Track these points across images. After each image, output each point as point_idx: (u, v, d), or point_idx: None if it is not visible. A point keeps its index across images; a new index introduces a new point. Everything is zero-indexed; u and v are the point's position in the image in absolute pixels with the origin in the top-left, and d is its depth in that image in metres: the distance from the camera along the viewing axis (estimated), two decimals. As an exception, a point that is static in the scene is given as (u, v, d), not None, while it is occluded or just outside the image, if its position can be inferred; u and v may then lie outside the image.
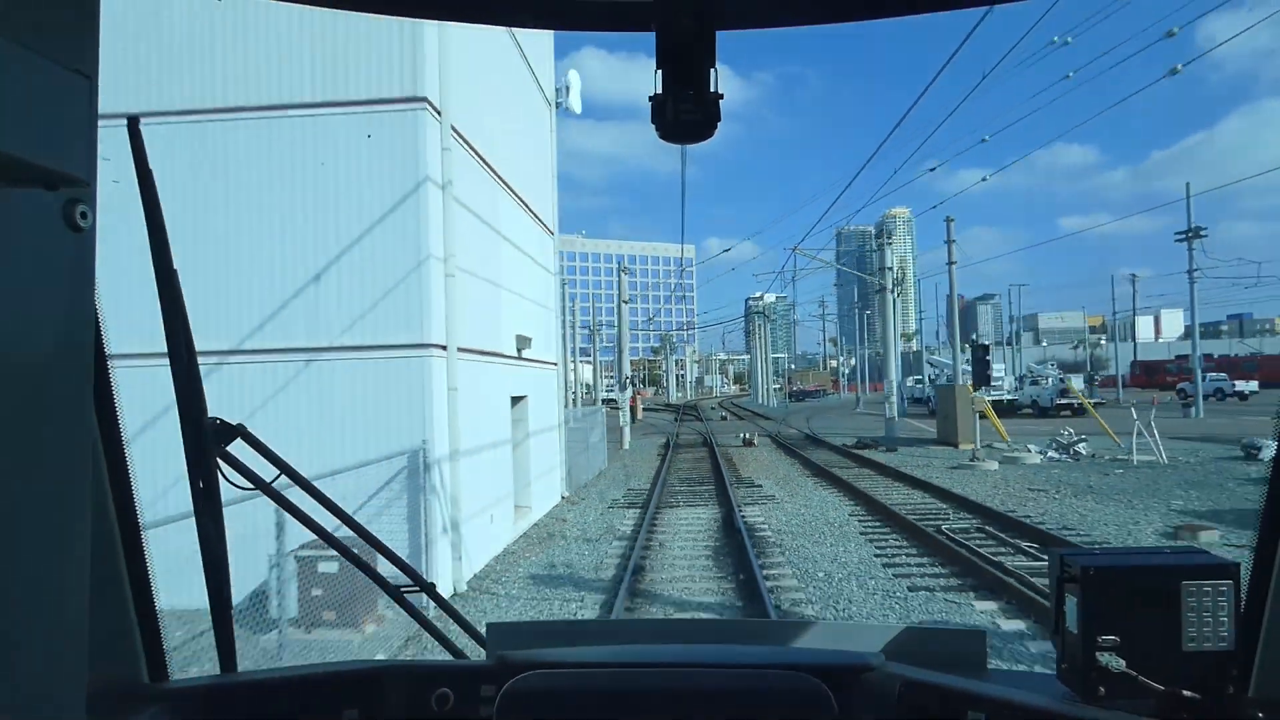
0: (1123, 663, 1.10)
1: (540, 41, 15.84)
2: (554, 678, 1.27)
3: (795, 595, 8.61)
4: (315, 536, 1.58)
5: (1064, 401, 37.45)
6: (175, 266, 1.27)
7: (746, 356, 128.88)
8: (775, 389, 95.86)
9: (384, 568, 1.72)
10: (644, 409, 57.60)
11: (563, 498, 16.03)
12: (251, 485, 1.39)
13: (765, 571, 9.49)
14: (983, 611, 7.87)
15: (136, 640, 1.22)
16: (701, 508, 14.63)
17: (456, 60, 9.50)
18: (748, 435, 29.54)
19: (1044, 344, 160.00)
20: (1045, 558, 9.92)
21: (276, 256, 8.52)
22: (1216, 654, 1.10)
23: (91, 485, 0.98)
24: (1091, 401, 39.35)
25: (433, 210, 8.76)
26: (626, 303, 32.40)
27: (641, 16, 1.02)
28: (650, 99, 1.01)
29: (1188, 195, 36.17)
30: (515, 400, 12.67)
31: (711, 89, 1.00)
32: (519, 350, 12.74)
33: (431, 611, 1.88)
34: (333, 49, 8.57)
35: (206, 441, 1.30)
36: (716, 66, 1.00)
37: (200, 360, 1.38)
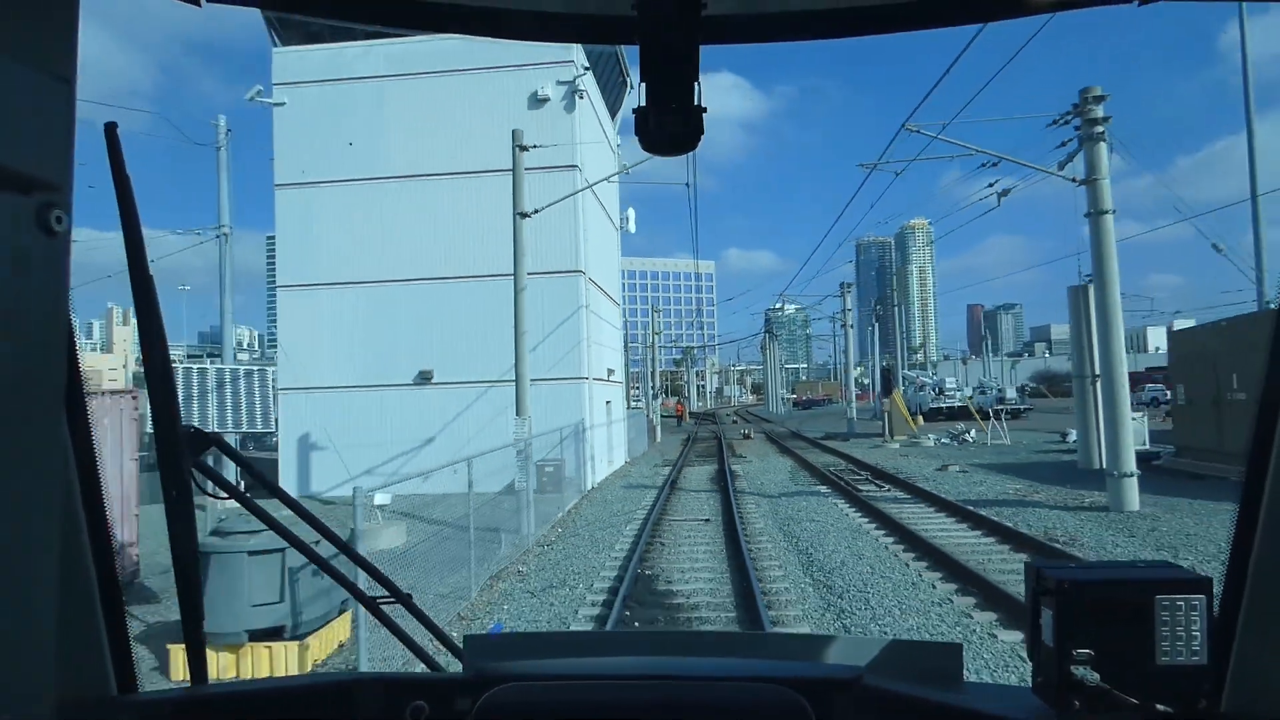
0: (1097, 676, 1.09)
1: (612, 194, 27.03)
2: (531, 690, 1.25)
3: (744, 488, 19.48)
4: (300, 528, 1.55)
5: (999, 407, 47.69)
6: (151, 273, 1.23)
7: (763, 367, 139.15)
8: (790, 397, 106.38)
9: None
10: (663, 416, 68.63)
11: (625, 461, 27.08)
12: (225, 494, 1.37)
13: (734, 483, 20.34)
14: (817, 488, 18.68)
15: (105, 651, 1.19)
16: (708, 466, 25.56)
17: (591, 239, 20.59)
18: (747, 432, 40.42)
19: (1045, 355, 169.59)
20: (863, 473, 20.83)
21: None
22: (1190, 669, 1.09)
23: (62, 492, 0.99)
24: (1022, 408, 49.96)
25: (582, 318, 19.86)
26: (658, 334, 43.48)
27: (626, 30, 1.05)
28: (634, 111, 1.05)
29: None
30: (607, 403, 23.81)
31: (695, 102, 1.03)
32: (608, 375, 23.88)
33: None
34: (543, 246, 19.67)
35: (180, 450, 1.27)
36: (700, 80, 1.03)
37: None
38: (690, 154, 1.10)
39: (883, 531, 13.00)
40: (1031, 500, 15.50)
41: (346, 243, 20.46)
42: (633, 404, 63.28)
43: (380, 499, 8.02)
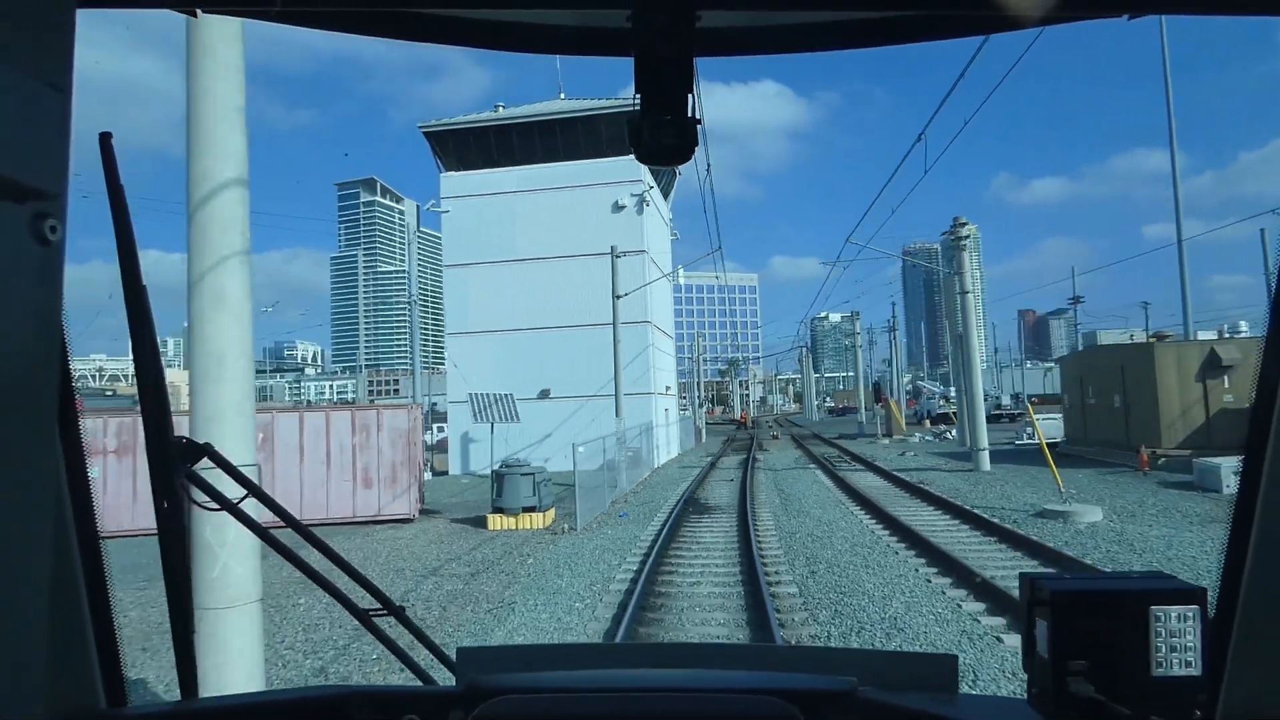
0: (1092, 688, 1.10)
1: (664, 247, 36.73)
2: (525, 703, 1.24)
3: (761, 467, 28.75)
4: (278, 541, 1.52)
5: (996, 412, 55.88)
6: (144, 283, 1.24)
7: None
8: (828, 405, 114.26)
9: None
10: (709, 424, 77.93)
11: (678, 453, 36.61)
12: (217, 505, 1.37)
13: (754, 468, 29.61)
14: (809, 466, 27.86)
15: (94, 664, 1.17)
16: (739, 456, 34.88)
17: (654, 294, 30.21)
18: (775, 433, 49.56)
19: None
20: (846, 458, 30.09)
21: (606, 367, 29.36)
22: (1184, 680, 1.09)
23: (53, 504, 0.99)
24: (1017, 413, 57.90)
25: (650, 354, 29.50)
26: (703, 353, 52.90)
27: (621, 42, 1.06)
28: (628, 122, 1.07)
29: (1073, 276, 54.60)
30: (665, 411, 33.42)
31: (689, 114, 1.05)
32: (665, 390, 33.51)
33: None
34: (621, 305, 29.35)
35: (172, 460, 1.27)
36: (695, 91, 1.05)
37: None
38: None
39: (832, 483, 22.25)
40: (936, 469, 24.53)
41: (491, 303, 30.47)
42: (682, 412, 73.27)
43: (581, 449, 17.41)
